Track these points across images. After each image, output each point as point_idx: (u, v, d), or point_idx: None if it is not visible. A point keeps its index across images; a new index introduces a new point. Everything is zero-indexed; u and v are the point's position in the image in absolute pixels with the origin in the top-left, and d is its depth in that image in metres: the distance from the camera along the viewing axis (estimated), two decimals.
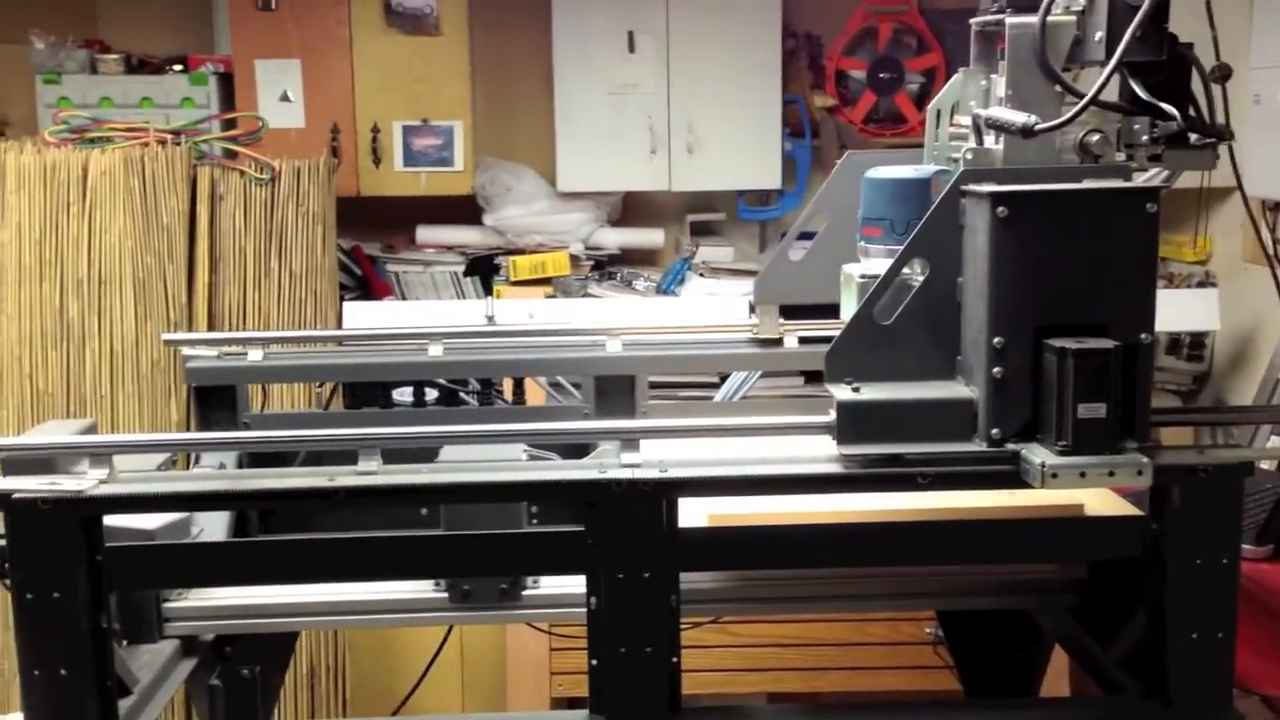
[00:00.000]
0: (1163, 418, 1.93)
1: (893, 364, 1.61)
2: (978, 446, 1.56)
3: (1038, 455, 1.51)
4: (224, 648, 1.97)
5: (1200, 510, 1.62)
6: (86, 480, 1.59)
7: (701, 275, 4.36)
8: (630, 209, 4.61)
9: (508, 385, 3.28)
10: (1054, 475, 1.49)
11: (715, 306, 3.81)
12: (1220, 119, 1.65)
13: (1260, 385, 3.88)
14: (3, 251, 3.29)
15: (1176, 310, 3.99)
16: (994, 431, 1.55)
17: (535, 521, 1.88)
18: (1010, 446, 1.55)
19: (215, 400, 2.24)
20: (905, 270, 1.62)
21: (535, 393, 3.28)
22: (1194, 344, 4.20)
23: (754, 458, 1.64)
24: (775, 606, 1.90)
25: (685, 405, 3.42)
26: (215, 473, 2.03)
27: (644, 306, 4.03)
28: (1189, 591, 1.63)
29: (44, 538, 1.56)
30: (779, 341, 2.26)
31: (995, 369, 1.53)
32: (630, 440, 1.65)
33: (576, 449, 1.96)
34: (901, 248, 1.62)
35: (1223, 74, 1.72)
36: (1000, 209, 1.50)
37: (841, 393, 1.59)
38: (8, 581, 1.59)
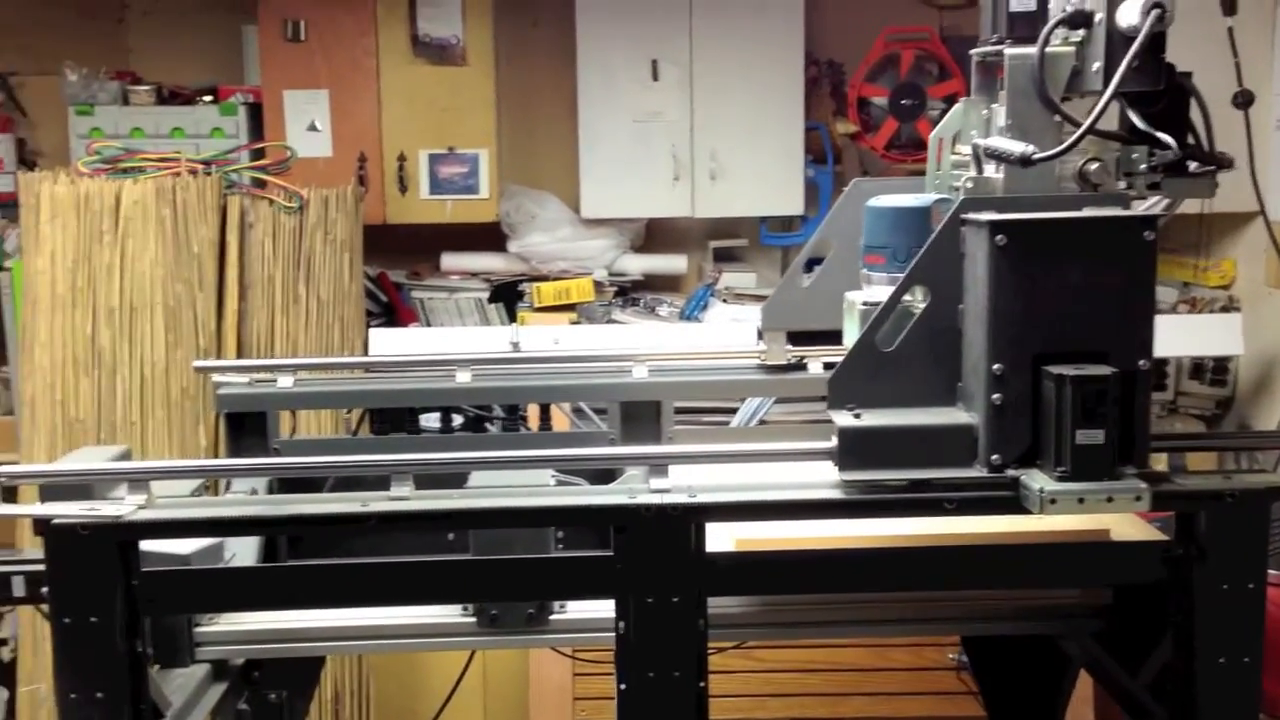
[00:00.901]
0: (1185, 443, 1.95)
1: (894, 390, 1.62)
2: (978, 472, 1.58)
3: (1037, 481, 1.52)
4: (252, 672, 1.99)
5: (1227, 535, 1.63)
6: (125, 506, 1.62)
7: (725, 301, 4.38)
8: (653, 235, 4.64)
9: (532, 411, 3.29)
10: (1052, 501, 1.50)
11: (738, 332, 3.82)
12: (1242, 145, 1.66)
13: None
14: (36, 280, 3.35)
15: (1200, 335, 3.98)
16: (994, 457, 1.56)
17: (561, 546, 1.90)
18: (1010, 472, 1.56)
19: (247, 426, 2.27)
20: (906, 298, 1.63)
21: (559, 419, 3.30)
22: (1217, 368, 4.19)
23: (780, 482, 1.65)
24: (800, 631, 1.90)
25: (709, 431, 3.43)
26: (252, 498, 2.06)
27: (668, 332, 4.05)
28: (1216, 616, 1.64)
29: (82, 562, 1.60)
30: (801, 366, 2.28)
31: (995, 395, 1.54)
32: (659, 466, 1.67)
33: (603, 474, 1.98)
34: (903, 275, 1.64)
35: (1245, 100, 1.74)
36: (999, 237, 1.52)
37: (843, 419, 1.61)
38: (45, 605, 1.62)
